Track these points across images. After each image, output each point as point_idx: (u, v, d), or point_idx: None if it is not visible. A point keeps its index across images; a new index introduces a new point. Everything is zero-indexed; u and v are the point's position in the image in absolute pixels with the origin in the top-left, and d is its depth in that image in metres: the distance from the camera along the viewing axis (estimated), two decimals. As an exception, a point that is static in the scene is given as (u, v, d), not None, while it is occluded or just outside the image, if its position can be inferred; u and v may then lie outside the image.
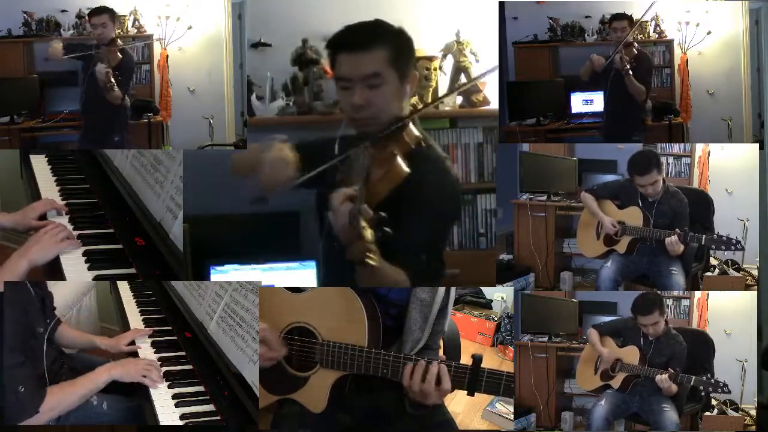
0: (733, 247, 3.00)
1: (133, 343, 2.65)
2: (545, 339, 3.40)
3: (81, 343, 2.80)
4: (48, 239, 2.40)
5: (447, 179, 2.12)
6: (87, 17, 3.63)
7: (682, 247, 3.03)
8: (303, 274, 3.07)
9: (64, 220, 2.61)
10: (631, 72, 3.61)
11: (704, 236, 3.01)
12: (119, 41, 3.60)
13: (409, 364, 2.02)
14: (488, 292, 4.22)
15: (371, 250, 1.75)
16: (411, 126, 2.07)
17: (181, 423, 2.20)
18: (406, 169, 1.95)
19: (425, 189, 2.03)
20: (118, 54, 3.58)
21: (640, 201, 3.13)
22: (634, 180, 3.12)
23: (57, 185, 2.91)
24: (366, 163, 1.89)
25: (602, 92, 3.79)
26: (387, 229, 1.76)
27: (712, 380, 2.87)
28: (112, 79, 3.51)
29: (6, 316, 2.21)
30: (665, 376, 2.89)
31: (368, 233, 1.74)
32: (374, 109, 2.05)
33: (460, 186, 2.20)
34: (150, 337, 2.69)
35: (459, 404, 3.16)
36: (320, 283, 2.24)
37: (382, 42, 2.05)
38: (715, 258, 3.25)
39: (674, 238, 3.01)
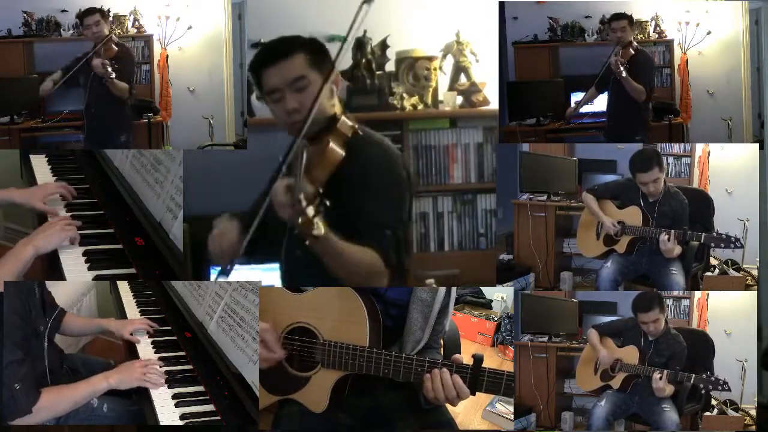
0: (732, 245, 2.99)
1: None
2: (545, 339, 3.40)
3: (89, 329, 2.83)
4: (54, 228, 2.42)
5: (390, 157, 2.22)
6: (78, 20, 3.64)
7: (676, 249, 3.03)
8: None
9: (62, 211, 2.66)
10: (625, 74, 3.60)
11: (703, 234, 3.01)
12: (114, 36, 3.61)
13: (427, 375, 2.04)
14: (488, 292, 4.21)
15: (314, 223, 1.87)
16: (344, 118, 2.18)
17: (181, 423, 2.20)
18: (340, 151, 2.10)
19: (370, 169, 2.14)
20: (114, 47, 3.60)
21: (641, 201, 3.12)
22: (636, 178, 3.11)
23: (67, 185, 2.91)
24: (304, 160, 1.98)
25: (602, 93, 3.79)
26: (326, 202, 1.90)
27: (712, 378, 2.87)
28: (109, 68, 3.52)
29: (8, 310, 2.21)
30: (658, 375, 2.89)
31: (310, 210, 1.86)
32: (306, 110, 2.12)
33: (404, 161, 2.31)
34: (150, 336, 2.69)
35: (459, 404, 3.14)
36: (284, 283, 2.27)
37: (299, 49, 2.17)
38: (715, 258, 3.24)
39: (664, 236, 3.01)
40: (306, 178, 1.92)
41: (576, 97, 3.89)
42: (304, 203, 1.85)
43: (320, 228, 1.88)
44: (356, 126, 2.19)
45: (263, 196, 2.12)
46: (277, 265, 2.31)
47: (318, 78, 2.15)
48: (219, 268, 2.08)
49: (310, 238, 1.89)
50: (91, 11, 3.61)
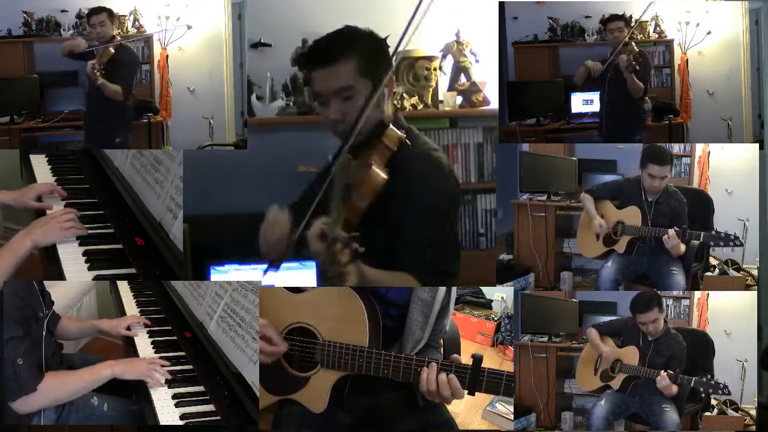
0: (731, 243, 2.98)
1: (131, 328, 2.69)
2: (545, 339, 3.40)
3: (83, 331, 2.82)
4: (54, 223, 2.42)
5: (437, 173, 2.13)
6: (86, 17, 3.64)
7: (682, 246, 3.03)
8: (303, 274, 3.07)
9: (61, 204, 2.67)
10: (638, 68, 3.60)
11: (702, 233, 3.01)
12: (117, 38, 3.61)
13: (423, 373, 2.02)
14: (488, 292, 4.21)
15: (348, 272, 1.81)
16: (391, 128, 2.11)
17: (181, 423, 2.20)
18: (383, 176, 2.00)
19: (415, 188, 2.07)
20: (111, 50, 3.59)
21: (640, 200, 3.12)
22: (647, 169, 3.08)
23: (57, 185, 2.91)
24: (344, 181, 1.94)
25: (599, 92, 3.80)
26: (359, 249, 1.80)
27: (712, 381, 2.86)
28: (98, 73, 3.52)
29: (8, 292, 2.21)
30: (665, 374, 2.89)
31: (343, 256, 1.79)
32: (351, 120, 2.07)
33: (454, 175, 2.21)
34: (150, 336, 2.69)
35: (459, 404, 3.15)
36: (320, 283, 2.24)
37: (349, 52, 2.07)
38: (715, 258, 3.24)
39: (671, 232, 3.01)
40: (345, 206, 1.87)
41: (576, 97, 3.90)
42: (338, 248, 1.78)
43: (352, 277, 1.81)
44: (404, 137, 2.10)
45: (315, 185, 2.04)
46: (314, 263, 2.28)
47: (366, 86, 2.07)
48: (267, 263, 2.03)
49: (341, 284, 1.83)
50: (98, 10, 3.61)
